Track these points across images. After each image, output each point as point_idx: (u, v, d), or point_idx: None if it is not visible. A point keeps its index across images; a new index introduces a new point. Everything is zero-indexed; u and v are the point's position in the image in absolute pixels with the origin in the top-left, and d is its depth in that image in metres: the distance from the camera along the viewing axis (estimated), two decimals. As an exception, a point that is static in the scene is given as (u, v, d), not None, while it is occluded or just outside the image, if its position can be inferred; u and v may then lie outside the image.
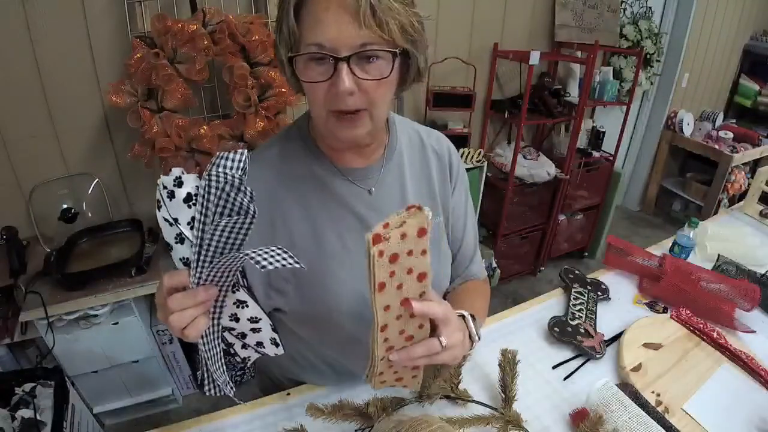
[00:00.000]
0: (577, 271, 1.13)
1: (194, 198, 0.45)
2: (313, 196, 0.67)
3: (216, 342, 0.55)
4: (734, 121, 3.48)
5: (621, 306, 1.06)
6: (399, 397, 0.74)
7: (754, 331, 0.96)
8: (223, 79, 1.49)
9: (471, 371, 0.84)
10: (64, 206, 1.55)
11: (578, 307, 1.01)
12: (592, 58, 2.01)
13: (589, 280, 1.11)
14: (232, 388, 0.59)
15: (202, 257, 0.45)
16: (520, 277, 2.68)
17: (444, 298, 0.79)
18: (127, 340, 1.52)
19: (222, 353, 0.57)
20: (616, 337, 0.95)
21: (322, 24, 0.51)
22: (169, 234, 0.47)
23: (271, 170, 0.66)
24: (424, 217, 0.46)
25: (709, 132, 3.11)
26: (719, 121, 3.27)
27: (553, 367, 0.88)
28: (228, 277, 0.49)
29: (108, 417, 1.69)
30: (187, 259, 0.48)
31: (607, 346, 0.92)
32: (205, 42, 1.37)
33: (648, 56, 2.72)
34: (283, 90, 1.50)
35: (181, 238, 0.47)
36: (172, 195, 0.45)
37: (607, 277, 1.15)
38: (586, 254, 2.88)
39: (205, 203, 0.44)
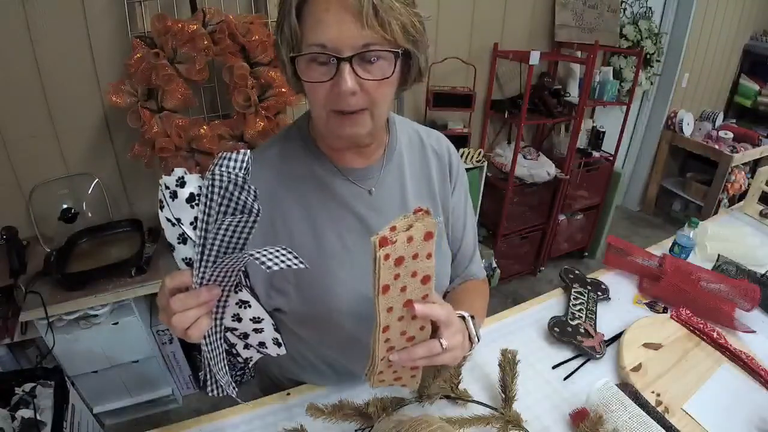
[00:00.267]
0: (577, 271, 1.13)
1: (197, 198, 0.45)
2: (313, 196, 0.67)
3: (219, 342, 0.55)
4: (734, 121, 3.48)
5: (621, 306, 1.06)
6: (399, 397, 0.75)
7: (754, 331, 0.96)
8: (223, 79, 1.49)
9: (471, 371, 0.84)
10: (64, 206, 1.55)
11: (578, 307, 1.01)
12: (592, 58, 2.01)
13: (589, 280, 1.11)
14: (234, 388, 0.59)
15: (205, 257, 0.45)
16: (520, 277, 2.68)
17: (443, 297, 0.79)
18: (127, 340, 1.52)
19: (224, 353, 0.57)
20: (616, 337, 0.95)
21: (324, 24, 0.51)
22: (171, 234, 0.47)
23: (271, 170, 0.66)
24: (431, 222, 0.46)
25: (709, 132, 3.11)
26: (719, 121, 3.27)
27: (553, 367, 0.88)
28: (231, 277, 0.49)
29: (108, 417, 1.69)
30: (190, 259, 0.47)
31: (607, 346, 0.92)
32: (205, 42, 1.37)
33: (648, 56, 2.72)
34: (283, 90, 1.50)
35: (183, 239, 0.47)
36: (174, 195, 0.45)
37: (607, 277, 1.15)
38: (586, 254, 2.88)
39: (208, 203, 0.44)
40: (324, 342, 0.76)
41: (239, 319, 0.55)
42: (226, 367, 0.57)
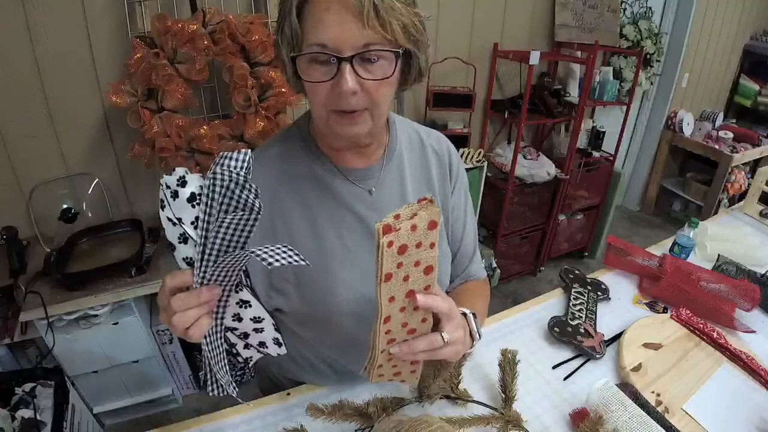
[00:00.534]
0: (577, 271, 1.13)
1: (198, 197, 0.45)
2: (313, 196, 0.67)
3: (219, 342, 0.55)
4: (734, 121, 3.48)
5: (621, 306, 1.06)
6: (399, 397, 0.75)
7: (754, 331, 0.96)
8: (223, 79, 1.49)
9: (471, 371, 0.84)
10: (64, 206, 1.55)
11: (578, 307, 1.01)
12: (592, 58, 2.01)
13: (589, 280, 1.11)
14: (235, 388, 0.59)
15: (206, 256, 0.45)
16: (520, 277, 2.68)
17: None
18: (127, 340, 1.52)
19: (225, 353, 0.57)
20: (616, 337, 0.95)
21: (324, 24, 0.51)
22: (172, 234, 0.47)
23: (271, 170, 0.66)
24: (435, 210, 0.46)
25: (709, 132, 3.11)
26: (719, 121, 3.27)
27: (553, 367, 0.88)
28: (231, 276, 0.49)
29: (108, 417, 1.69)
30: (191, 258, 0.48)
31: (607, 346, 0.92)
32: (205, 42, 1.37)
33: (648, 56, 2.72)
34: (283, 90, 1.50)
35: (184, 238, 0.47)
36: (175, 195, 0.45)
37: (607, 277, 1.15)
38: (586, 254, 2.88)
39: (209, 202, 0.44)
40: (324, 342, 0.76)
41: (240, 319, 0.55)
42: (226, 367, 0.57)
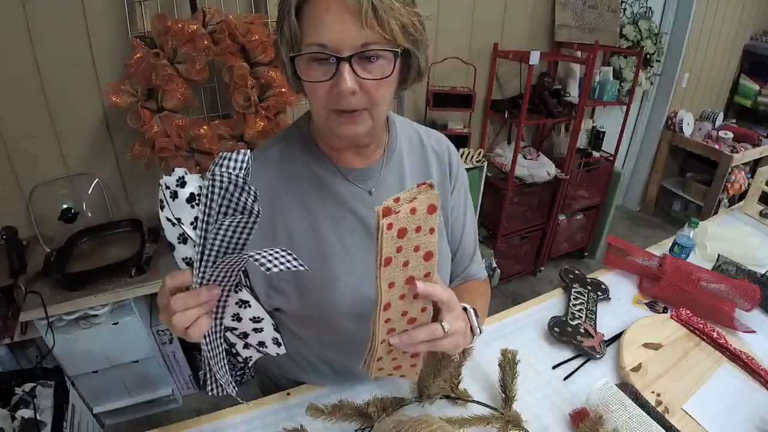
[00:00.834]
0: (577, 271, 1.13)
1: (197, 198, 0.45)
2: (313, 196, 0.67)
3: (218, 342, 0.55)
4: (734, 121, 3.48)
5: (621, 306, 1.06)
6: (399, 397, 0.75)
7: (754, 331, 0.96)
8: (223, 79, 1.49)
9: (471, 371, 0.84)
10: (64, 206, 1.55)
11: (578, 307, 1.01)
12: (592, 58, 2.01)
13: (589, 280, 1.11)
14: (234, 388, 0.59)
15: (205, 257, 0.45)
16: (520, 277, 2.68)
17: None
18: (127, 340, 1.52)
19: (224, 353, 0.57)
20: (616, 337, 0.95)
21: (323, 24, 0.51)
22: (171, 234, 0.47)
23: (272, 170, 0.66)
24: (434, 194, 0.47)
25: (709, 132, 3.11)
26: (719, 121, 3.27)
27: (553, 367, 0.88)
28: (231, 277, 0.49)
29: (108, 417, 1.69)
30: (190, 259, 0.48)
31: (607, 346, 0.92)
32: (205, 42, 1.37)
33: (648, 56, 2.72)
34: (283, 90, 1.50)
35: (184, 238, 0.47)
36: (175, 195, 0.45)
37: (607, 277, 1.15)
38: (586, 254, 2.88)
39: (208, 203, 0.44)
40: (324, 342, 0.76)
41: (239, 319, 0.55)
42: (226, 367, 0.57)
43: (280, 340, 0.59)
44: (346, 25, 0.51)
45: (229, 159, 0.45)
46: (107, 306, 1.44)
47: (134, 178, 1.67)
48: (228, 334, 0.57)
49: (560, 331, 0.94)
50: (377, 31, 0.51)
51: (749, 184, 1.97)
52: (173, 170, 0.44)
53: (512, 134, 2.49)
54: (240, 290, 0.52)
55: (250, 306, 0.54)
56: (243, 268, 0.50)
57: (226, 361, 0.57)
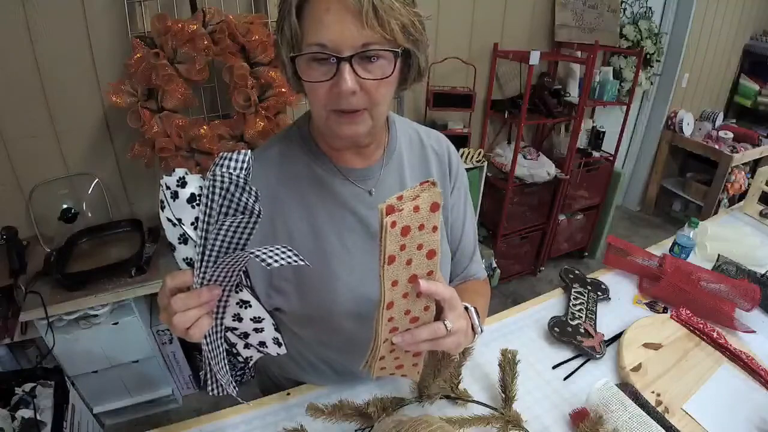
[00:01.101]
0: (577, 271, 1.13)
1: (198, 198, 0.45)
2: (313, 196, 0.67)
3: (219, 342, 0.55)
4: (734, 121, 3.48)
5: (621, 306, 1.06)
6: (399, 397, 0.75)
7: (754, 331, 0.96)
8: (223, 79, 1.49)
9: (471, 371, 0.84)
10: (64, 206, 1.55)
11: (578, 307, 1.01)
12: (592, 58, 2.01)
13: (589, 280, 1.11)
14: (235, 387, 0.59)
15: (206, 257, 0.45)
16: (520, 277, 2.68)
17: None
18: (127, 340, 1.52)
19: (225, 353, 0.57)
20: (616, 337, 0.95)
21: (323, 24, 0.51)
22: (172, 234, 0.47)
23: (272, 170, 0.66)
24: (437, 192, 0.47)
25: (709, 132, 3.11)
26: (719, 121, 3.27)
27: (553, 367, 0.88)
28: (231, 277, 0.49)
29: (108, 417, 1.69)
30: (191, 259, 0.48)
31: (607, 346, 0.92)
32: (205, 42, 1.37)
33: (648, 56, 2.72)
34: (283, 90, 1.50)
35: (184, 239, 0.47)
36: (175, 195, 0.45)
37: (607, 277, 1.15)
38: (586, 254, 2.88)
39: (209, 203, 0.44)
40: (324, 342, 0.76)
41: (240, 319, 0.55)
42: (227, 367, 0.57)
43: (281, 340, 0.59)
44: (346, 25, 0.51)
45: (230, 159, 0.45)
46: (107, 306, 1.44)
47: (134, 178, 1.67)
48: (228, 334, 0.57)
49: (560, 331, 0.94)
50: (378, 31, 0.51)
51: (749, 184, 1.97)
52: (174, 170, 0.44)
53: (512, 134, 2.49)
54: (241, 290, 0.52)
55: (250, 306, 0.54)
56: (244, 268, 0.50)
57: (226, 361, 0.57)
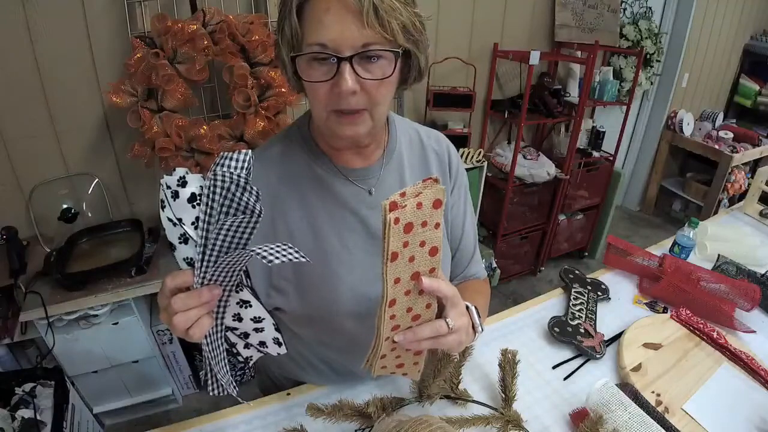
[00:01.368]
0: (577, 271, 1.13)
1: (199, 198, 0.45)
2: (313, 195, 0.67)
3: (219, 342, 0.55)
4: (734, 121, 3.48)
5: (621, 306, 1.06)
6: (399, 397, 0.75)
7: (754, 331, 0.96)
8: (223, 79, 1.49)
9: (471, 371, 0.84)
10: (64, 206, 1.55)
11: (578, 307, 1.01)
12: (592, 58, 2.01)
13: (589, 280, 1.11)
14: (235, 387, 0.59)
15: (206, 257, 0.45)
16: (520, 277, 2.68)
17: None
18: (127, 340, 1.52)
19: (225, 353, 0.57)
20: (616, 337, 0.95)
21: (324, 24, 0.51)
22: (172, 234, 0.47)
23: (272, 169, 0.66)
24: (440, 189, 0.47)
25: (709, 132, 3.11)
26: (719, 121, 3.27)
27: (553, 367, 0.88)
28: (232, 277, 0.49)
29: (108, 417, 1.69)
30: (191, 259, 0.47)
31: (607, 346, 0.92)
32: (205, 42, 1.37)
33: (648, 56, 2.72)
34: (283, 90, 1.50)
35: (185, 239, 0.47)
36: (176, 195, 0.45)
37: (607, 277, 1.15)
38: (586, 254, 2.88)
39: (209, 203, 0.44)
40: (324, 342, 0.76)
41: (240, 319, 0.55)
42: (227, 367, 0.57)
43: (281, 340, 0.59)
44: (346, 25, 0.51)
45: (231, 159, 0.45)
46: (107, 306, 1.44)
47: (134, 178, 1.67)
48: (229, 333, 0.57)
49: (560, 331, 0.94)
50: (378, 32, 0.51)
51: (749, 184, 1.97)
52: (174, 170, 0.44)
53: (512, 134, 2.49)
54: (241, 290, 0.52)
55: (251, 306, 0.54)
56: (244, 268, 0.50)
57: (226, 361, 0.57)
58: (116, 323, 1.47)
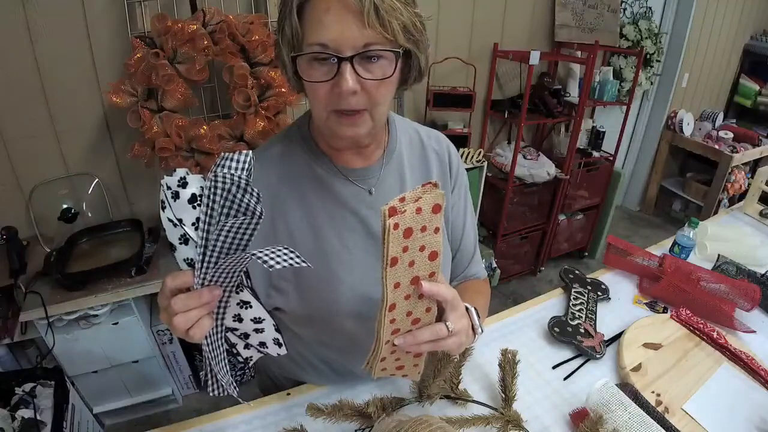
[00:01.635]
0: (577, 271, 1.13)
1: (199, 199, 0.45)
2: (313, 196, 0.67)
3: (220, 342, 0.55)
4: (734, 121, 3.48)
5: (621, 306, 1.06)
6: (399, 397, 0.75)
7: (754, 331, 0.96)
8: (223, 79, 1.49)
9: (471, 371, 0.84)
10: (64, 206, 1.55)
11: (578, 307, 1.01)
12: (592, 58, 2.01)
13: (589, 280, 1.11)
14: (235, 388, 0.59)
15: (207, 258, 0.45)
16: (520, 277, 2.68)
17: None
18: (127, 340, 1.52)
19: (225, 353, 0.57)
20: (616, 337, 0.95)
21: (324, 24, 0.51)
22: (173, 235, 0.47)
23: (273, 169, 0.66)
24: (439, 194, 0.47)
25: (709, 132, 3.11)
26: (719, 121, 3.27)
27: (553, 367, 0.88)
28: (232, 277, 0.49)
29: (108, 417, 1.69)
30: (192, 260, 0.47)
31: (607, 346, 0.92)
32: (205, 42, 1.37)
33: (648, 56, 2.72)
34: (283, 90, 1.50)
35: (185, 239, 0.47)
36: (176, 196, 0.45)
37: (607, 277, 1.15)
38: (586, 254, 2.88)
39: (210, 204, 0.44)
40: (324, 342, 0.76)
41: (240, 320, 0.55)
42: (227, 367, 0.57)
43: (281, 341, 0.59)
44: (347, 25, 0.51)
45: (231, 159, 0.45)
46: (107, 306, 1.44)
47: (134, 178, 1.67)
48: (229, 334, 0.57)
49: (560, 331, 0.94)
50: (379, 32, 0.51)
51: (749, 184, 1.97)
52: (175, 171, 0.44)
53: (512, 134, 2.49)
54: (241, 291, 0.52)
55: (251, 307, 0.54)
56: (245, 269, 0.50)
57: (227, 362, 0.57)
58: (116, 323, 1.47)
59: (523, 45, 2.28)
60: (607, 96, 2.36)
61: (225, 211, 0.44)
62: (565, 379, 0.85)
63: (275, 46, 0.59)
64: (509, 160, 2.20)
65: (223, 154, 0.45)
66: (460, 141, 2.09)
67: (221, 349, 0.55)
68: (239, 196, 0.43)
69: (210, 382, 0.58)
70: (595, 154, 2.54)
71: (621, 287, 1.12)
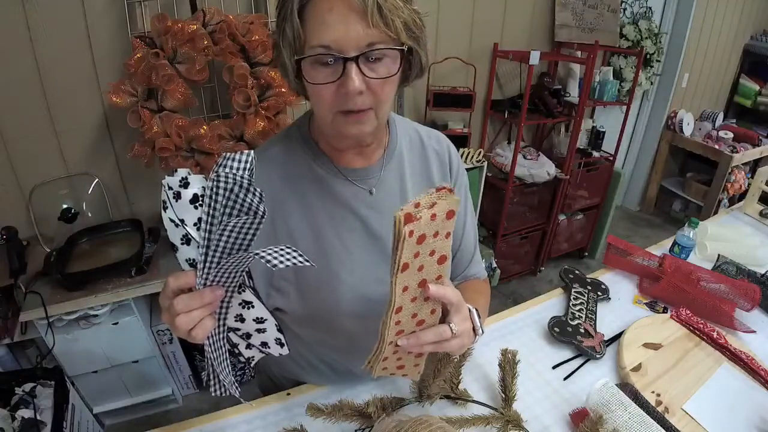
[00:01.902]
0: (577, 271, 1.13)
1: (201, 199, 0.45)
2: (313, 196, 0.67)
3: (222, 342, 0.55)
4: (734, 121, 3.48)
5: (621, 306, 1.06)
6: (399, 397, 0.75)
7: (754, 331, 0.96)
8: (223, 79, 1.49)
9: (471, 371, 0.84)
10: (64, 206, 1.55)
11: (578, 307, 1.01)
12: (592, 58, 2.01)
13: (589, 280, 1.11)
14: (237, 388, 0.59)
15: (209, 258, 0.45)
16: (520, 277, 2.68)
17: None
18: (127, 340, 1.52)
19: (227, 353, 0.57)
20: (616, 337, 0.95)
21: (326, 25, 0.51)
22: (174, 235, 0.47)
23: (274, 169, 0.66)
24: (455, 200, 0.47)
25: (709, 132, 3.11)
26: (719, 121, 3.27)
27: (553, 367, 0.88)
28: (234, 277, 0.49)
29: (108, 417, 1.69)
30: (193, 260, 0.47)
31: (607, 346, 0.92)
32: (205, 42, 1.37)
33: (648, 56, 2.72)
34: (283, 90, 1.50)
35: (187, 239, 0.47)
36: (178, 196, 0.45)
37: (607, 277, 1.15)
38: (586, 254, 2.88)
39: (212, 204, 0.44)
40: (324, 342, 0.76)
41: (242, 320, 0.55)
42: (229, 367, 0.57)
43: (283, 341, 0.59)
44: (351, 25, 0.50)
45: (233, 159, 0.45)
46: (107, 306, 1.44)
47: (134, 178, 1.67)
48: (231, 334, 0.57)
49: (560, 331, 0.94)
50: (382, 31, 0.51)
51: (749, 184, 1.97)
52: (176, 171, 0.44)
53: (512, 134, 2.49)
54: (243, 291, 0.52)
55: (253, 307, 0.54)
56: (247, 269, 0.50)
57: (229, 362, 0.57)
58: (116, 323, 1.47)
59: (523, 45, 2.28)
60: (607, 96, 2.36)
61: (227, 211, 0.44)
62: (565, 379, 0.85)
63: (274, 48, 0.59)
64: (509, 160, 2.20)
65: (224, 154, 0.45)
66: (460, 141, 2.09)
67: (223, 349, 0.55)
68: (242, 195, 0.43)
69: (212, 383, 0.58)
70: (595, 154, 2.54)
71: (621, 287, 1.12)
